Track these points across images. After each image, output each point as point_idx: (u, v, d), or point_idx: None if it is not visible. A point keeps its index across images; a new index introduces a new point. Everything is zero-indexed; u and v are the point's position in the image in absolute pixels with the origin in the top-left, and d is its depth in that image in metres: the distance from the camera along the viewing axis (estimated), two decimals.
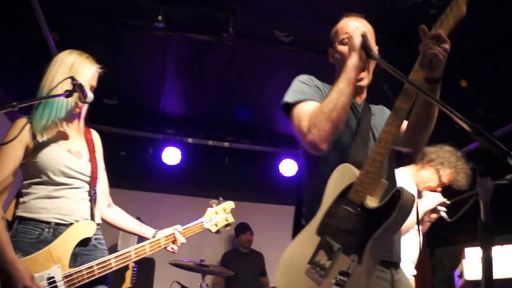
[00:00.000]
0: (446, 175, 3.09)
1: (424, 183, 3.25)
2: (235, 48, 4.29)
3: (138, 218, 5.30)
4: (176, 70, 4.77)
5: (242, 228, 5.73)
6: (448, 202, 2.98)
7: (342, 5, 3.51)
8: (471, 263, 3.32)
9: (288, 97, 1.81)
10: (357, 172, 1.64)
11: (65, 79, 2.13)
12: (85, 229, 2.22)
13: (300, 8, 3.85)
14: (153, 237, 2.46)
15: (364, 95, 1.95)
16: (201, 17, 4.02)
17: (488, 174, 1.19)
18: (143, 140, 5.80)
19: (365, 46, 1.71)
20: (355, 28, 1.85)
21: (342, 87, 1.67)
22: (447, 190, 3.14)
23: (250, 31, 4.12)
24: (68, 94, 2.10)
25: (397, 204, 1.49)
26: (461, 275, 3.43)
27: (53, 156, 2.19)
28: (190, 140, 5.93)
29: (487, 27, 3.66)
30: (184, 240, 2.49)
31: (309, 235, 1.63)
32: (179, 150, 5.72)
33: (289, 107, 1.79)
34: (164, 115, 5.49)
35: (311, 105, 1.74)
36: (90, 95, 2.19)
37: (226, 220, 2.75)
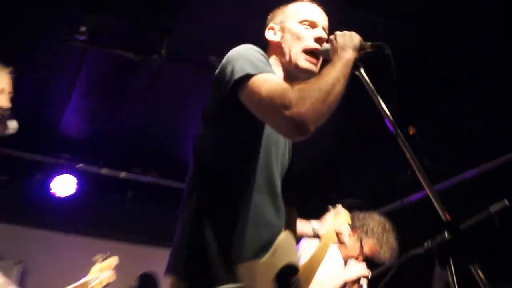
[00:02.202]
0: (369, 246, 3.53)
1: (345, 250, 3.61)
2: (162, 71, 4.76)
3: (19, 262, 5.48)
4: (87, 87, 5.13)
5: (147, 283, 5.91)
6: (369, 276, 3.28)
7: None
8: None
9: (247, 69, 1.77)
10: None
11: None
12: None
13: (243, 35, 4.18)
14: None
15: None
16: (130, 33, 4.46)
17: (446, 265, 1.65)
18: (30, 164, 5.94)
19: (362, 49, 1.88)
20: (320, 18, 2.10)
21: (338, 75, 1.76)
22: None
23: (182, 54, 4.61)
24: None
25: None
26: None
27: None
28: (87, 167, 6.18)
29: (437, 74, 4.41)
30: None
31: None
32: (74, 179, 5.98)
33: (245, 80, 1.76)
34: (61, 136, 5.79)
35: (280, 80, 1.80)
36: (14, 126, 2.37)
37: (109, 279, 3.10)
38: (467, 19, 3.98)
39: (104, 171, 6.27)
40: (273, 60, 2.09)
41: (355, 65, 1.87)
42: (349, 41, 1.88)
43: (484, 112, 4.66)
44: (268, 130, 1.87)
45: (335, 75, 1.76)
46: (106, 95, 5.28)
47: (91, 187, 6.17)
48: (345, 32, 1.92)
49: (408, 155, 1.80)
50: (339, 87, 1.73)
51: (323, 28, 2.11)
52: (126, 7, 4.29)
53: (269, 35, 2.14)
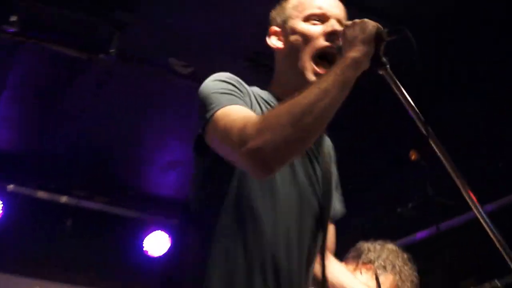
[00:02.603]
0: (389, 282, 3.24)
1: None
2: (112, 73, 4.48)
3: None
4: (19, 90, 4.89)
5: None
6: None
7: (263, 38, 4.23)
8: None
9: (208, 111, 1.64)
10: None
11: None
12: None
13: (212, 35, 4.17)
14: None
15: None
16: (75, 26, 4.18)
17: None
18: None
19: (380, 42, 1.61)
20: (332, 7, 1.86)
21: (327, 86, 1.52)
22: None
23: (138, 53, 4.36)
24: None
25: None
26: None
27: None
28: (17, 188, 5.87)
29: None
30: None
31: None
32: (0, 203, 5.69)
33: (207, 124, 1.64)
34: None
35: (245, 111, 1.65)
36: None
37: None
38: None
39: (40, 194, 5.93)
40: (278, 77, 1.92)
41: (378, 62, 1.61)
42: (359, 33, 1.59)
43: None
44: None
45: (322, 87, 1.52)
46: (43, 101, 5.01)
47: (22, 213, 5.86)
48: (356, 21, 1.64)
49: (446, 163, 1.66)
50: (326, 101, 1.49)
51: (338, 20, 1.82)
52: None
53: (271, 41, 1.93)
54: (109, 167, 5.69)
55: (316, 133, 1.53)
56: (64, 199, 6.02)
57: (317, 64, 1.77)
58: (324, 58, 1.78)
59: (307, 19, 1.83)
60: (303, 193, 1.76)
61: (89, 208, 6.13)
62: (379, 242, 3.35)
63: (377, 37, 1.57)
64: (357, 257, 3.25)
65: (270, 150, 1.46)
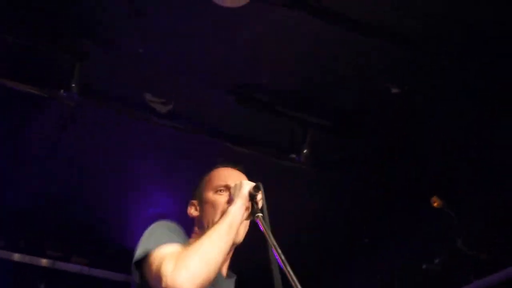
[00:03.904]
0: None
1: None
2: (76, 113, 4.27)
3: None
4: None
5: None
6: None
7: (251, 72, 3.97)
8: None
9: (147, 244, 2.09)
10: None
11: None
12: None
13: (194, 68, 4.00)
14: None
15: (228, 263, 2.39)
16: (28, 57, 3.98)
17: None
18: None
19: (253, 197, 2.23)
20: (231, 179, 2.41)
21: (222, 231, 2.13)
22: None
23: (105, 89, 4.13)
24: None
25: None
26: None
27: None
28: None
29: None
30: None
31: None
32: None
33: (146, 256, 2.07)
34: None
35: (178, 247, 2.10)
36: None
37: None
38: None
39: (8, 254, 5.60)
40: (195, 236, 2.39)
41: (251, 213, 2.23)
42: (237, 191, 2.27)
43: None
44: None
45: (216, 233, 2.13)
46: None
47: None
48: (237, 182, 2.32)
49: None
50: (222, 246, 2.11)
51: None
52: (22, 20, 3.88)
53: (190, 211, 2.48)
54: (85, 223, 5.36)
55: (219, 264, 2.07)
56: (36, 260, 5.69)
57: None
58: None
59: (215, 190, 2.42)
60: None
61: (65, 270, 5.80)
62: None
63: (250, 195, 2.21)
64: None
65: (186, 283, 1.94)
